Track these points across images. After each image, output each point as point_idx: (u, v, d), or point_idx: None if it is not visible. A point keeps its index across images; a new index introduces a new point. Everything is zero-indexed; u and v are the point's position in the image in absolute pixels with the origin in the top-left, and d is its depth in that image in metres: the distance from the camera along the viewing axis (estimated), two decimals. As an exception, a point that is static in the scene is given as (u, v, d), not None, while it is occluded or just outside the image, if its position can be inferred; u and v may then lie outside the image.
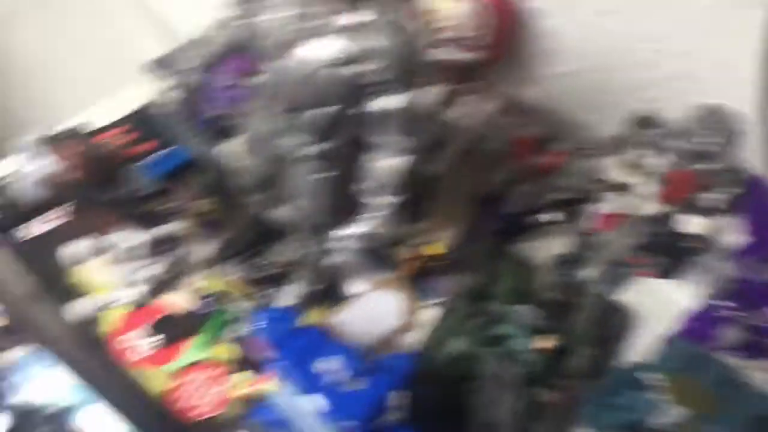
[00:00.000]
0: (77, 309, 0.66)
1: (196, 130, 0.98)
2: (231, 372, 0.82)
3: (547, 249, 1.05)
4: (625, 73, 0.91)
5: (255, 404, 0.79)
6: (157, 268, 0.66)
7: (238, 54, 0.73)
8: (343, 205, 0.69)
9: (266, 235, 0.94)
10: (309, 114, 0.58)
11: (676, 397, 0.66)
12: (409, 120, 0.57)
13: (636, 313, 1.04)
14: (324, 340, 0.63)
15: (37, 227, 0.84)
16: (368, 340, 0.91)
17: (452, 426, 0.79)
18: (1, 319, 0.70)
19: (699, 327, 0.93)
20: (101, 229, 0.84)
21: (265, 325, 0.63)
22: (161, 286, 0.69)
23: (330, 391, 0.59)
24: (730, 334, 0.88)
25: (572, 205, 0.99)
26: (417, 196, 0.96)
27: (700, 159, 0.83)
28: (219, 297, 0.87)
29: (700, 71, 0.85)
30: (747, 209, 0.87)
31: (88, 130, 0.75)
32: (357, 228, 0.64)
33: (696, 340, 0.84)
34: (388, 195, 0.61)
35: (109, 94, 1.07)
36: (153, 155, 0.96)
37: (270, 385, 0.82)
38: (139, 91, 1.04)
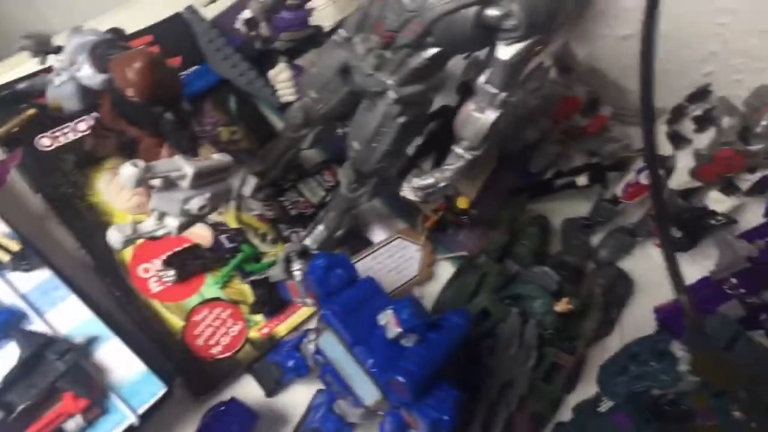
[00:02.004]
0: (110, 236, 0.62)
1: (230, 50, 0.91)
2: (250, 313, 0.80)
3: (568, 212, 1.05)
4: (686, 44, 0.89)
5: (268, 344, 0.78)
6: (198, 201, 0.62)
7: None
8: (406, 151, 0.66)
9: (294, 171, 0.90)
10: (408, 52, 0.54)
11: (698, 369, 0.68)
12: (517, 72, 0.54)
13: (636, 280, 1.07)
14: (376, 292, 0.61)
15: (64, 137, 0.79)
16: (386, 288, 0.90)
17: (465, 380, 0.80)
18: (13, 243, 0.65)
19: (700, 301, 0.95)
20: (118, 145, 0.79)
21: (319, 272, 0.60)
22: (195, 219, 0.65)
23: (378, 344, 0.57)
24: (729, 310, 0.91)
25: (603, 170, 0.98)
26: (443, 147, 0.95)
27: (750, 139, 0.82)
28: (237, 233, 0.84)
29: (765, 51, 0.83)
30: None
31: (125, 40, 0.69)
32: (427, 179, 0.61)
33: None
34: (470, 148, 0.58)
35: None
36: (182, 74, 0.89)
37: (284, 327, 0.81)
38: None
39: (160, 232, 0.65)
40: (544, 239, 0.98)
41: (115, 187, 0.80)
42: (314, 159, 0.94)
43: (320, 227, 0.85)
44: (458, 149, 0.61)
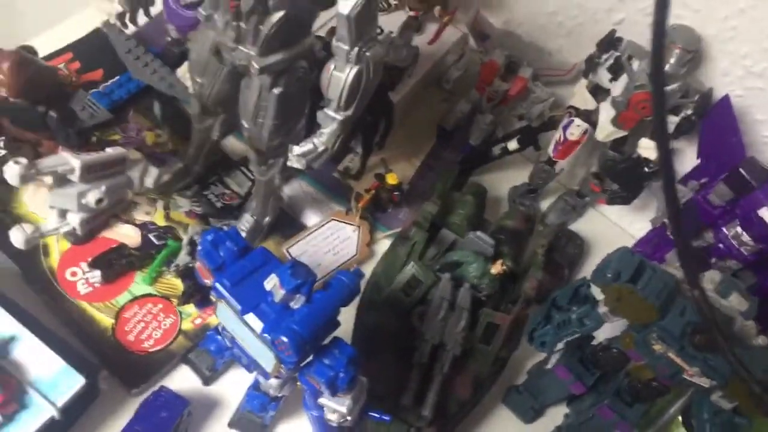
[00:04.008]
0: (13, 236, 0.64)
1: (149, 57, 0.94)
2: (178, 305, 0.81)
3: (516, 180, 1.05)
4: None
5: (203, 334, 0.79)
6: (94, 195, 0.64)
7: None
8: (296, 123, 0.67)
9: (220, 165, 0.92)
10: (258, 20, 0.56)
11: (615, 306, 0.67)
12: (363, 25, 0.55)
13: (589, 240, 1.06)
14: (268, 260, 0.62)
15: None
16: (324, 269, 0.91)
17: (399, 349, 0.80)
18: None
19: (647, 250, 0.94)
20: (35, 153, 0.81)
21: (207, 247, 0.61)
22: (96, 213, 0.66)
23: (267, 309, 0.58)
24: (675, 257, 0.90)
25: (532, 132, 0.97)
26: (375, 124, 0.95)
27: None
28: (166, 231, 0.86)
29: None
30: (701, 131, 0.87)
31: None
32: (305, 145, 0.63)
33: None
34: (338, 109, 0.59)
35: (54, 22, 1.03)
36: (103, 85, 0.93)
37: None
38: (84, 18, 1.00)
39: (63, 229, 0.67)
40: (480, 207, 0.98)
41: (40, 197, 0.83)
42: (242, 151, 0.96)
43: (246, 215, 0.86)
44: (328, 111, 0.62)
